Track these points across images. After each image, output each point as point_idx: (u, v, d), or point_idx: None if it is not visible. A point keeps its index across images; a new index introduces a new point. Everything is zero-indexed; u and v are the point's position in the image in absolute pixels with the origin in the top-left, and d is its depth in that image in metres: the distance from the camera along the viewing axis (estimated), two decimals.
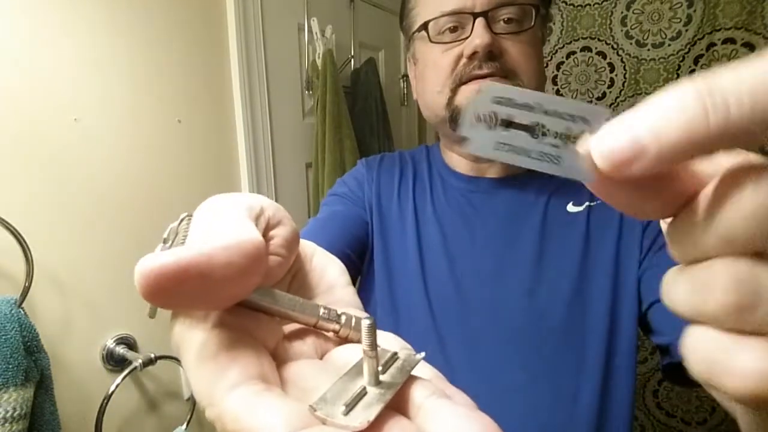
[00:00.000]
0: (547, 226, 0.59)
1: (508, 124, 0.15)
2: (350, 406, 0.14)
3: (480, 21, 0.55)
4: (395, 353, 0.17)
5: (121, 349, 0.82)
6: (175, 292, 0.13)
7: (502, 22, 0.56)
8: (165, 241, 0.17)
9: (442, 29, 0.58)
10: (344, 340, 0.19)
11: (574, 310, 0.55)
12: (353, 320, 0.18)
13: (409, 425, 0.14)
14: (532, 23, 0.56)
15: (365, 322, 0.15)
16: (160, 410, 0.91)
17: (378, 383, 0.15)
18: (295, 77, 1.21)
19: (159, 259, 0.13)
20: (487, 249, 0.59)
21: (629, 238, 0.56)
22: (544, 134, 0.15)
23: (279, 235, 0.19)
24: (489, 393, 0.55)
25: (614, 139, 0.13)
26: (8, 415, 0.59)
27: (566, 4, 1.50)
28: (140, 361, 0.79)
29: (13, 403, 0.59)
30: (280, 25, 1.14)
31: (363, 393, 0.14)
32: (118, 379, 0.78)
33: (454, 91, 0.58)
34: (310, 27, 1.19)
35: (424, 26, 0.60)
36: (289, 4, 1.16)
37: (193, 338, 0.15)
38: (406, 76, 1.65)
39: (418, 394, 0.15)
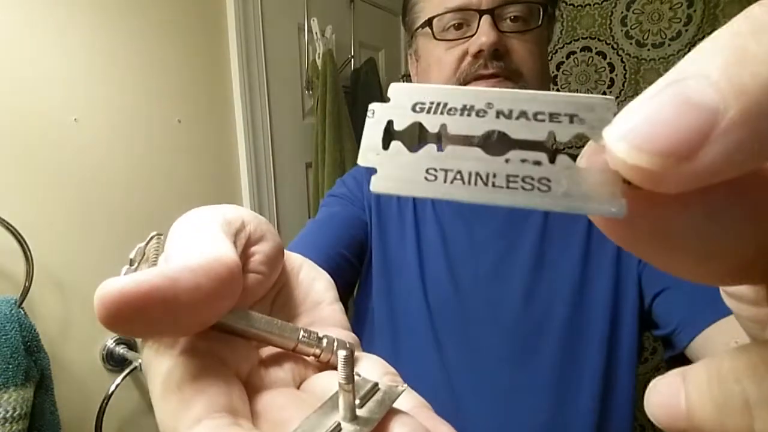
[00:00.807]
0: (548, 227, 0.59)
1: (439, 138, 0.10)
2: None
3: (486, 18, 0.53)
4: (375, 384, 0.15)
5: (121, 349, 0.82)
6: (136, 319, 0.12)
7: (508, 20, 0.55)
8: (131, 263, 0.16)
9: (447, 26, 0.57)
10: (325, 365, 0.18)
11: (575, 311, 0.55)
12: (335, 344, 0.17)
13: None
14: (539, 22, 0.55)
15: (341, 353, 0.14)
16: None
17: (354, 418, 0.14)
18: (295, 77, 1.21)
19: (118, 284, 0.12)
20: (487, 250, 0.59)
21: None
22: (509, 147, 0.09)
23: (261, 251, 0.18)
24: (488, 394, 0.55)
25: (654, 110, 0.08)
26: (8, 415, 0.59)
27: (566, 4, 1.50)
28: (140, 361, 0.79)
29: (13, 403, 0.59)
30: (280, 25, 1.14)
31: (337, 430, 0.13)
32: (118, 379, 0.78)
33: None
34: (310, 27, 1.18)
35: (429, 22, 0.58)
36: (289, 4, 1.16)
37: (159, 366, 0.14)
38: (405, 76, 1.64)
39: (397, 431, 0.14)
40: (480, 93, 0.10)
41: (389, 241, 0.65)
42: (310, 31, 1.19)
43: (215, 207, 0.18)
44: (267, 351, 0.18)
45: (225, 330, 0.16)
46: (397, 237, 0.65)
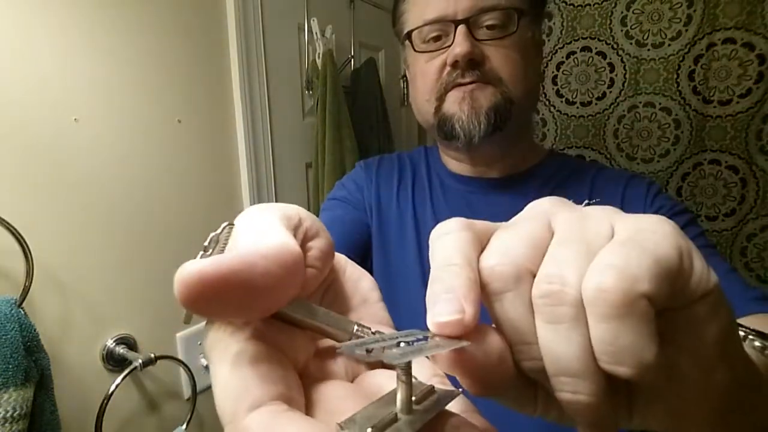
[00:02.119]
0: None
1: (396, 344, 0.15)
2: (378, 430, 0.13)
3: (461, 28, 0.55)
4: (432, 387, 0.16)
5: (121, 349, 0.82)
6: (214, 300, 0.13)
7: (484, 28, 0.56)
8: (205, 249, 0.17)
9: (427, 38, 0.59)
10: (376, 361, 0.19)
11: None
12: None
13: None
14: (515, 28, 0.56)
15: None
16: (160, 410, 0.91)
17: (410, 412, 0.14)
18: (295, 77, 1.21)
19: (199, 266, 0.13)
20: None
21: None
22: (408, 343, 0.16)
23: (316, 247, 0.19)
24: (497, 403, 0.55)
25: (439, 310, 0.16)
26: (8, 415, 0.59)
27: (566, 4, 1.50)
28: (140, 361, 0.79)
29: (13, 403, 0.59)
30: (280, 25, 1.14)
31: (393, 420, 0.14)
32: (118, 379, 0.78)
33: (440, 99, 0.59)
34: (310, 27, 1.18)
35: (408, 36, 0.60)
36: (289, 4, 1.16)
37: (224, 350, 0.15)
38: (405, 77, 1.64)
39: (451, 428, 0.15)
40: (384, 338, 0.16)
41: (390, 243, 0.66)
42: (310, 31, 1.19)
43: (275, 204, 0.19)
44: (321, 344, 0.19)
45: (285, 320, 0.16)
46: (398, 238, 0.65)
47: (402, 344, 0.15)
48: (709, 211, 1.41)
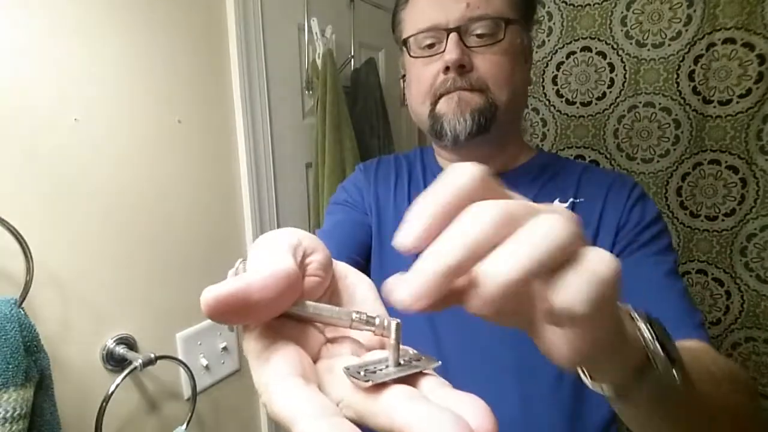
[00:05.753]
0: None
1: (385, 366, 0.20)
2: (369, 372, 0.19)
3: (453, 36, 0.58)
4: (417, 354, 0.22)
5: (121, 349, 0.82)
6: (228, 312, 0.18)
7: (474, 36, 0.59)
8: (237, 271, 0.23)
9: (422, 44, 0.62)
10: (379, 341, 0.24)
11: None
12: (386, 322, 0.23)
13: (410, 389, 0.18)
14: (503, 36, 0.59)
15: (394, 322, 0.21)
16: (160, 410, 0.91)
17: (397, 366, 0.20)
18: (295, 77, 1.21)
19: (215, 290, 0.18)
20: None
21: (604, 237, 0.59)
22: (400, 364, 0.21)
23: (315, 260, 0.24)
24: (483, 382, 0.59)
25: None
26: (8, 415, 0.59)
27: (566, 4, 1.50)
28: (140, 361, 0.79)
29: (13, 403, 0.59)
30: (280, 25, 1.14)
31: (382, 368, 0.19)
32: (118, 379, 0.78)
33: (434, 103, 0.62)
34: (310, 27, 1.19)
35: (404, 43, 0.64)
36: (289, 4, 1.16)
37: (255, 346, 0.20)
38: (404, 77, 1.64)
39: (427, 385, 0.19)
40: (374, 358, 0.21)
41: (387, 240, 0.67)
42: (310, 31, 1.19)
43: (279, 231, 0.24)
44: (331, 334, 0.24)
45: (296, 318, 0.22)
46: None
47: (390, 367, 0.20)
48: (709, 211, 1.41)
